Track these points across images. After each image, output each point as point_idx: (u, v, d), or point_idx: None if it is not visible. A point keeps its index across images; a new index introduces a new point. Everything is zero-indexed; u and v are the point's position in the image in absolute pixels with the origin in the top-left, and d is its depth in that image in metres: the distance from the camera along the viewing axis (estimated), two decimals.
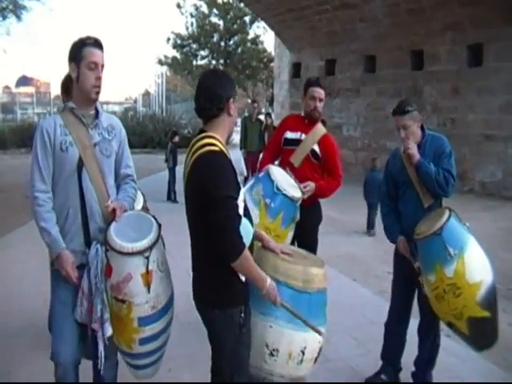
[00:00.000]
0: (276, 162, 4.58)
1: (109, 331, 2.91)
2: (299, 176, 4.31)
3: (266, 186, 3.90)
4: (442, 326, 3.76)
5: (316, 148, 4.47)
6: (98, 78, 2.99)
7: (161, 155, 20.89)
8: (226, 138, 2.81)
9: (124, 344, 2.95)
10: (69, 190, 2.97)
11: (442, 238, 3.33)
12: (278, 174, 4.10)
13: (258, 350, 2.83)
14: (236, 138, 16.01)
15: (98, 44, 3.02)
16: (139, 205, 4.46)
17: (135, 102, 44.13)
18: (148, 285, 2.81)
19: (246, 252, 2.57)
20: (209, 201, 2.53)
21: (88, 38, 3.02)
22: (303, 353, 2.88)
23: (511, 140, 11.97)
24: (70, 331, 2.98)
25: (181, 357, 4.10)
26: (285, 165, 4.45)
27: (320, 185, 4.40)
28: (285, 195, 3.91)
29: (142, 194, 4.51)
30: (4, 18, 25.27)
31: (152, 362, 3.08)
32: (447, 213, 3.44)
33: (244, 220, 2.62)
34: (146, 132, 25.55)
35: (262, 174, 4.11)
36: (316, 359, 3.03)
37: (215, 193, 2.52)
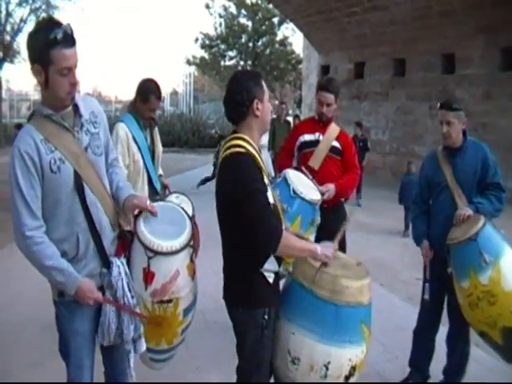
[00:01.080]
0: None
1: (143, 347, 2.72)
2: (323, 176, 4.30)
3: (282, 190, 3.82)
4: (471, 334, 3.69)
5: (336, 144, 4.50)
6: (73, 84, 2.46)
7: (188, 154, 20.93)
8: (258, 137, 2.81)
9: (166, 342, 2.81)
10: (72, 214, 2.54)
11: (477, 244, 3.27)
12: (295, 177, 4.06)
13: (283, 355, 2.79)
14: (264, 139, 16.01)
15: (69, 40, 2.39)
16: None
17: (163, 101, 44.36)
18: (193, 274, 2.75)
19: (285, 235, 2.58)
20: (239, 198, 2.56)
21: (54, 30, 2.33)
22: (327, 368, 2.67)
23: None
24: (90, 359, 2.75)
25: (207, 355, 4.11)
26: (306, 167, 4.41)
27: (339, 184, 4.35)
28: (302, 198, 3.86)
29: (192, 205, 4.37)
30: (37, 17, 25.76)
31: (174, 352, 3.00)
32: (483, 219, 3.38)
33: None
34: (174, 131, 25.68)
35: (279, 180, 4.09)
36: (347, 378, 2.74)
37: (243, 189, 2.56)
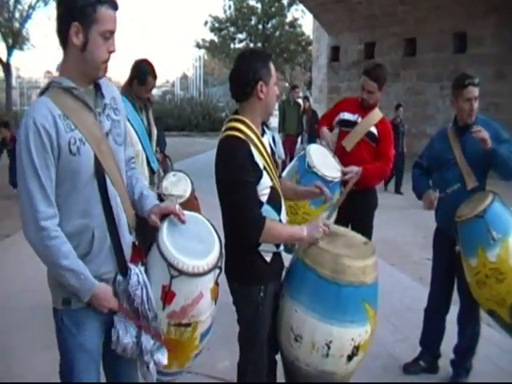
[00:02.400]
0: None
1: (164, 361, 2.36)
2: (353, 159, 4.23)
3: (300, 163, 3.86)
4: (483, 314, 3.69)
5: (373, 130, 4.41)
6: (110, 53, 2.18)
7: (198, 138, 20.96)
8: (260, 120, 2.77)
9: (177, 366, 2.54)
10: (88, 205, 2.17)
11: (485, 221, 3.25)
12: (316, 152, 4.03)
13: (286, 332, 2.80)
14: (274, 121, 15.99)
15: (115, 4, 2.16)
16: (187, 192, 4.46)
17: (173, 85, 44.32)
18: (215, 298, 2.46)
19: (268, 224, 2.58)
20: (224, 185, 2.63)
21: None
22: (328, 347, 2.64)
23: None
24: (97, 379, 2.37)
25: (219, 336, 4.11)
26: (338, 147, 4.40)
27: (366, 169, 4.16)
28: (315, 173, 3.83)
29: (191, 180, 4.49)
30: (46, 3, 25.72)
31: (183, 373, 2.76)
32: (491, 196, 3.36)
33: (266, 207, 2.66)
34: (184, 115, 25.69)
35: (301, 152, 4.08)
36: (350, 358, 2.69)
37: (228, 177, 2.59)
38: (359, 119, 4.42)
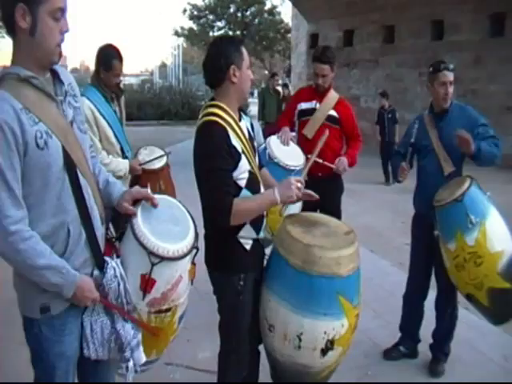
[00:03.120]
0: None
1: (142, 358, 2.29)
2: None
3: (263, 156, 3.78)
4: (460, 298, 3.73)
5: (333, 113, 4.46)
6: (65, 33, 2.00)
7: (178, 126, 20.84)
8: (237, 105, 2.78)
9: (156, 352, 2.49)
10: (61, 200, 2.04)
11: (463, 205, 3.28)
12: (275, 143, 4.10)
13: (262, 321, 2.81)
14: (254, 109, 15.96)
15: None
16: (162, 162, 4.49)
17: (152, 74, 44.10)
18: (193, 277, 2.45)
19: (236, 203, 2.57)
20: (199, 171, 2.66)
21: None
22: (300, 339, 2.59)
23: None
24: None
25: (199, 327, 4.13)
26: (301, 137, 4.44)
27: (349, 155, 4.40)
28: (276, 163, 3.87)
29: (166, 153, 4.55)
30: None
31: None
32: (468, 180, 3.39)
33: (245, 192, 2.67)
34: (163, 104, 25.51)
35: (262, 147, 4.08)
36: (325, 352, 2.61)
37: (203, 164, 2.62)
38: (317, 105, 4.46)
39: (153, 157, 4.43)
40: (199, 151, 2.65)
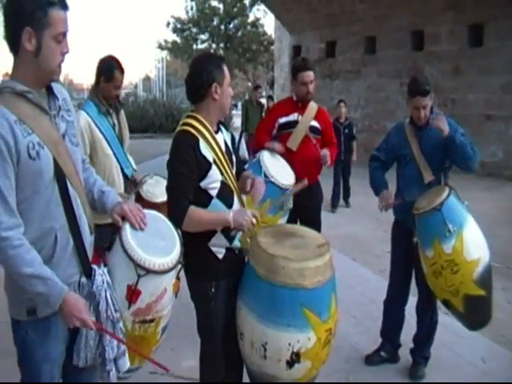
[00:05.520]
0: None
1: (126, 365, 2.36)
2: (301, 157, 4.34)
3: (255, 172, 3.71)
4: (440, 304, 3.80)
5: (315, 123, 4.53)
6: (65, 54, 2.15)
7: (162, 139, 20.84)
8: (215, 120, 2.86)
9: (138, 361, 2.54)
10: (50, 208, 2.13)
11: (441, 214, 3.35)
12: (269, 160, 4.07)
13: (235, 329, 2.86)
14: (237, 121, 16.02)
15: (65, 4, 2.11)
16: (165, 197, 4.36)
17: (136, 87, 44.02)
18: (176, 291, 2.55)
19: (190, 211, 2.67)
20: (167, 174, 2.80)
21: None
22: (265, 348, 2.62)
23: None
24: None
25: (182, 336, 4.16)
26: (282, 151, 4.42)
27: (331, 154, 4.52)
28: (272, 183, 3.87)
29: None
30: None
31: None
32: (447, 190, 3.47)
33: (216, 201, 2.77)
34: (147, 116, 25.51)
35: (254, 160, 4.11)
36: (290, 364, 2.62)
37: (168, 167, 2.75)
38: (299, 117, 4.51)
39: (157, 188, 4.28)
40: (169, 156, 2.75)
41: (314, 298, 2.61)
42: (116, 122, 4.12)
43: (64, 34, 2.10)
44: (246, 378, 3.13)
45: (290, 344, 2.58)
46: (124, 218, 2.37)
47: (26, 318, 2.17)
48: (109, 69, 3.95)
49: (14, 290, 2.14)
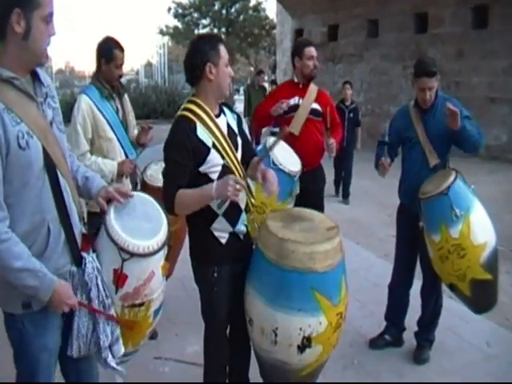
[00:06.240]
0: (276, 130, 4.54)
1: (121, 351, 2.37)
2: (304, 141, 4.31)
3: (263, 159, 3.77)
4: (444, 287, 3.80)
5: (316, 106, 4.50)
6: (51, 36, 2.07)
7: (164, 125, 20.95)
8: (215, 102, 2.83)
9: (132, 344, 2.51)
10: (41, 200, 2.07)
11: (448, 198, 3.33)
12: (276, 147, 4.02)
13: (244, 315, 2.85)
14: (239, 106, 15.97)
15: None
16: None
17: (137, 73, 43.85)
18: (166, 274, 2.55)
19: (180, 193, 2.67)
20: None
21: None
22: (275, 334, 2.58)
23: None
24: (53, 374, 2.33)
25: (187, 322, 4.19)
26: (285, 136, 4.37)
27: (335, 139, 4.49)
28: (281, 170, 3.84)
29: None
30: None
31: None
32: (454, 173, 3.44)
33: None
34: (149, 103, 25.43)
35: (259, 147, 4.08)
36: (301, 349, 2.59)
37: (164, 152, 2.75)
38: (300, 101, 4.47)
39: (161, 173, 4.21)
40: (165, 141, 2.76)
41: (326, 282, 2.58)
42: (119, 106, 4.05)
43: (51, 15, 2.02)
44: (253, 366, 3.14)
45: (300, 329, 2.56)
46: (109, 202, 2.34)
47: (22, 311, 2.14)
48: (108, 49, 3.88)
49: (6, 284, 2.07)
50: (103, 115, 3.85)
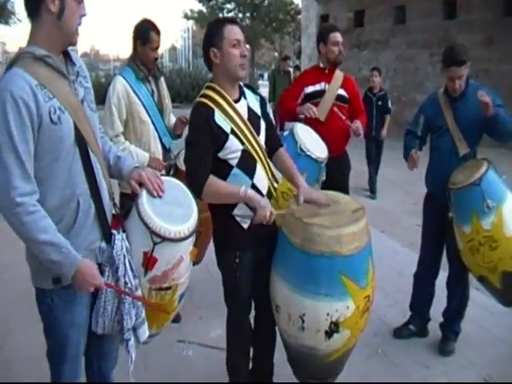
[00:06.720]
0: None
1: (145, 334, 2.38)
2: (329, 127, 4.26)
3: (289, 146, 3.63)
4: (471, 279, 3.75)
5: (342, 92, 4.45)
6: (83, 16, 2.15)
7: (188, 109, 20.97)
8: (230, 85, 2.78)
9: (156, 327, 2.54)
10: (71, 174, 2.12)
11: (480, 189, 3.26)
12: (303, 133, 3.94)
13: (271, 302, 2.83)
14: (264, 91, 15.93)
15: None
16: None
17: (162, 57, 43.91)
18: (195, 260, 2.60)
19: (209, 181, 2.65)
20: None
21: None
22: (302, 320, 2.57)
23: None
24: (83, 352, 2.39)
25: (210, 306, 4.20)
26: (310, 121, 4.28)
27: (362, 121, 4.46)
28: (309, 156, 3.76)
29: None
30: None
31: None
32: (486, 164, 3.37)
33: (236, 171, 2.72)
34: (174, 87, 25.48)
35: (286, 133, 4.03)
36: (329, 334, 2.58)
37: (186, 138, 2.75)
38: (326, 86, 4.42)
39: None
40: (188, 128, 2.78)
41: (353, 265, 2.55)
42: (155, 89, 4.03)
43: None
44: (278, 352, 3.13)
45: (328, 314, 2.54)
46: (141, 185, 2.34)
47: (52, 286, 2.18)
48: (144, 31, 3.87)
49: (37, 259, 2.11)
50: (138, 97, 3.84)
